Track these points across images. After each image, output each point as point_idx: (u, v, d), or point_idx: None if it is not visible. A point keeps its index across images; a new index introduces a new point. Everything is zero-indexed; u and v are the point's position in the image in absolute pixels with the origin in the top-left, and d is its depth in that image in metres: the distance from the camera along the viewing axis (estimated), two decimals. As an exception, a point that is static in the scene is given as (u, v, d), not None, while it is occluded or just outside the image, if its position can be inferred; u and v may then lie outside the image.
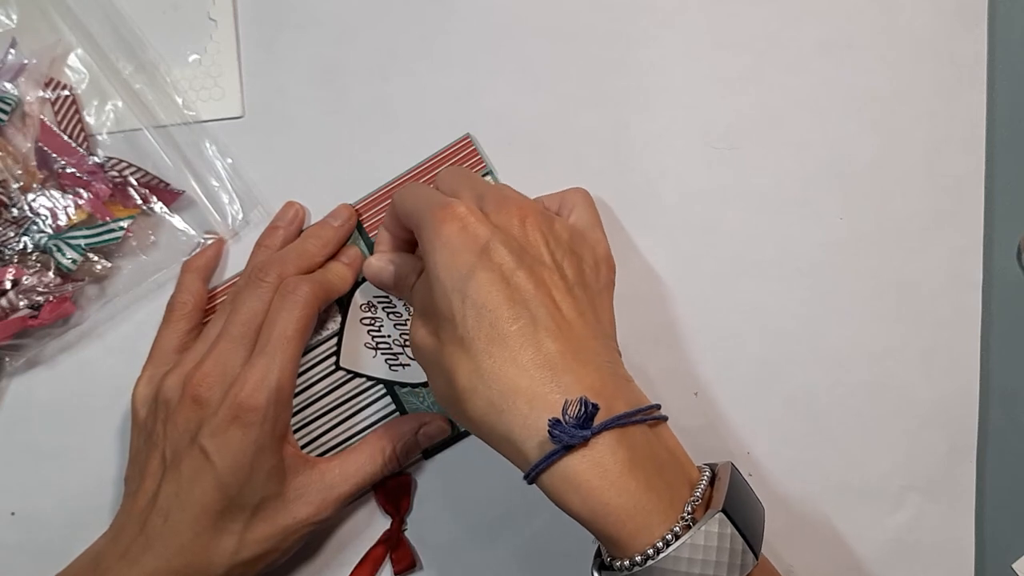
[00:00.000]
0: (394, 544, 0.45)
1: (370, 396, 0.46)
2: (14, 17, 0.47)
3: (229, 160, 0.47)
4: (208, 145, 0.47)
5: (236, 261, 0.47)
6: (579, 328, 0.35)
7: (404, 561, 0.45)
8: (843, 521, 0.46)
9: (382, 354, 0.44)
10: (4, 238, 0.45)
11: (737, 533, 0.32)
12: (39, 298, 0.45)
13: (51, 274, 0.45)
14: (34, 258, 0.45)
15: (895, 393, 0.47)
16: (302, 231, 0.47)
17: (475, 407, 0.34)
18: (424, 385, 0.46)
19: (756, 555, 0.32)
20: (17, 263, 0.45)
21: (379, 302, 0.44)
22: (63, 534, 0.46)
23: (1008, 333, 0.47)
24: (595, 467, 0.32)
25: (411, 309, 0.43)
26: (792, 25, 0.49)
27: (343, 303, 0.46)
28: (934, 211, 0.48)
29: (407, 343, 0.44)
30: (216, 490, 0.39)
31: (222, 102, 0.48)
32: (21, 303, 0.44)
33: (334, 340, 0.46)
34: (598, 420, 0.32)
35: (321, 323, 0.46)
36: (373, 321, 0.44)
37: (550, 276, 0.36)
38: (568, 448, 0.32)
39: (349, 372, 0.44)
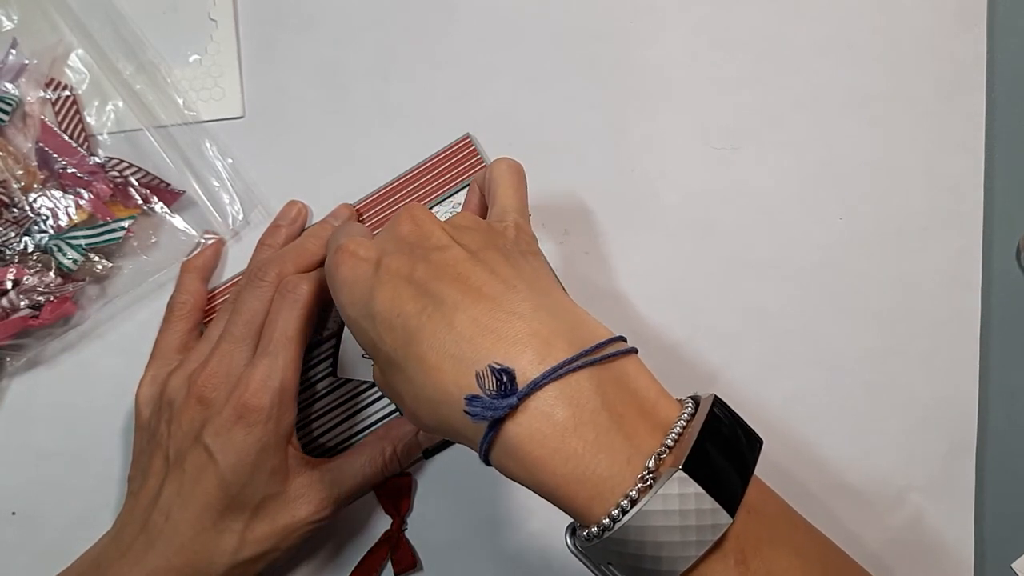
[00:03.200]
0: (394, 544, 0.45)
1: (370, 396, 0.46)
2: (15, 17, 0.47)
3: (229, 160, 0.47)
4: (208, 145, 0.47)
5: (236, 261, 0.47)
6: (492, 287, 0.32)
7: (404, 561, 0.45)
8: (843, 521, 0.46)
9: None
10: (5, 238, 0.45)
11: (704, 492, 0.28)
12: (40, 298, 0.45)
13: (52, 274, 0.45)
14: (35, 258, 0.45)
15: (895, 393, 0.47)
16: (304, 230, 0.47)
17: (424, 415, 0.32)
18: None
19: (732, 513, 0.29)
20: (18, 263, 0.45)
21: None
22: (63, 534, 0.46)
23: (1007, 333, 0.47)
24: (533, 435, 0.29)
25: None
26: (792, 25, 0.49)
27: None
28: (934, 211, 0.48)
29: None
30: (218, 488, 0.39)
31: (222, 102, 0.48)
32: (22, 303, 0.44)
33: (334, 341, 0.46)
34: (531, 376, 0.29)
35: (322, 322, 0.46)
36: None
37: (452, 255, 0.34)
38: (500, 421, 0.29)
39: (347, 379, 0.44)
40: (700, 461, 0.29)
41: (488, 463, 0.31)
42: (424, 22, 0.49)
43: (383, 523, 0.46)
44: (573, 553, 0.31)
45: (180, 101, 0.48)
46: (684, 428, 0.30)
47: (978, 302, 0.47)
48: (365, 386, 0.46)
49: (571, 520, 0.31)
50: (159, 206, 0.47)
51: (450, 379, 0.31)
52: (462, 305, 0.32)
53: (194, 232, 0.47)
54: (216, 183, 0.47)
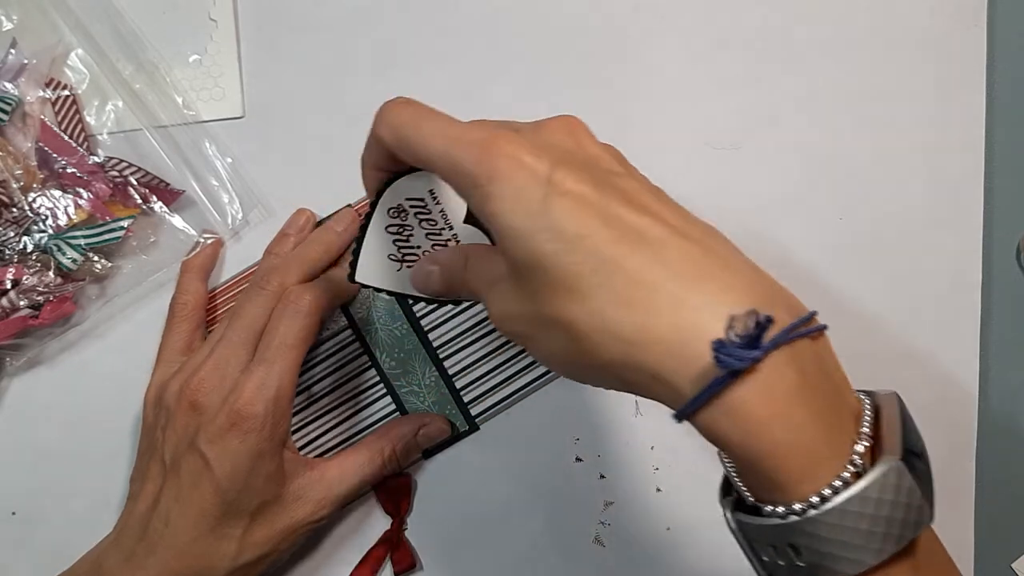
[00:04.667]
0: (394, 544, 0.45)
1: (370, 396, 0.46)
2: (15, 17, 0.47)
3: (229, 160, 0.47)
4: (208, 145, 0.47)
5: (236, 260, 0.47)
6: (694, 231, 0.30)
7: (404, 561, 0.45)
8: (843, 521, 0.46)
9: (408, 268, 0.38)
10: (5, 238, 0.45)
11: (915, 486, 0.26)
12: (40, 298, 0.45)
13: (51, 274, 0.45)
14: (35, 258, 0.45)
15: (895, 393, 0.47)
16: None
17: (609, 350, 0.28)
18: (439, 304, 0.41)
19: (933, 512, 0.27)
20: (18, 263, 0.45)
21: (412, 207, 0.37)
22: (64, 534, 0.46)
23: (1007, 333, 0.47)
24: (762, 395, 0.26)
25: (450, 218, 0.37)
26: (792, 25, 0.49)
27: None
28: (934, 211, 0.48)
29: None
30: (215, 495, 0.39)
31: (222, 102, 0.48)
32: (22, 303, 0.44)
33: (334, 341, 0.46)
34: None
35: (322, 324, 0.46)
36: (401, 229, 0.37)
37: (633, 184, 0.31)
38: (732, 375, 0.26)
39: (364, 286, 0.39)
40: (910, 453, 0.27)
41: (685, 418, 0.28)
42: (424, 22, 0.49)
43: (383, 523, 0.46)
44: (733, 529, 0.29)
45: (180, 101, 0.48)
46: (873, 419, 0.29)
47: (978, 302, 0.47)
48: (365, 386, 0.46)
49: (727, 488, 0.30)
50: (159, 206, 0.47)
51: (665, 320, 0.27)
52: (670, 243, 0.29)
53: (193, 232, 0.47)
54: (215, 183, 0.47)
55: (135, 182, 0.46)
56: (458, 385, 0.46)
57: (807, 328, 0.28)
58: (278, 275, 0.43)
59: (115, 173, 0.46)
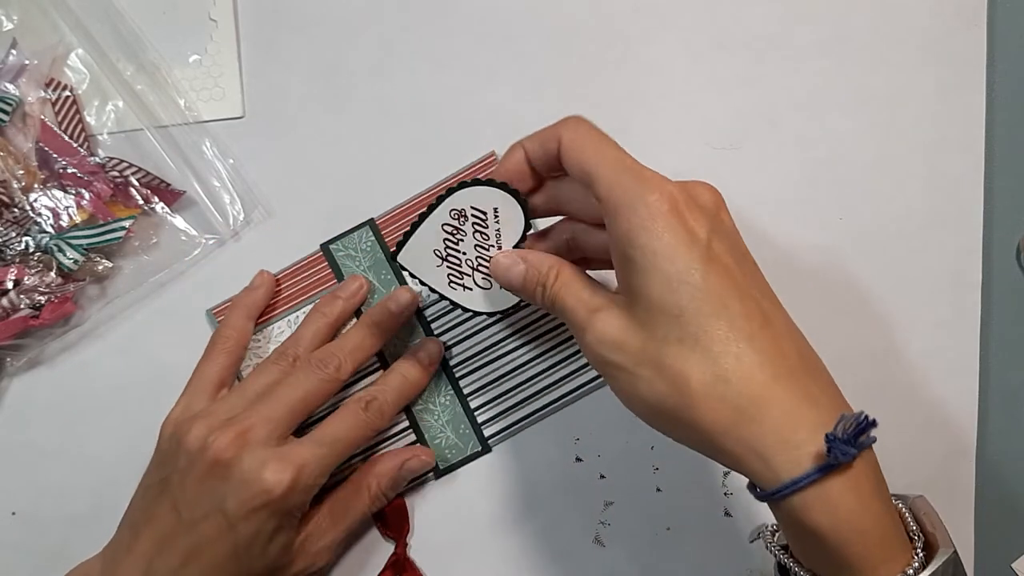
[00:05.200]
0: (401, 567, 0.45)
1: None
2: (15, 18, 0.47)
3: (230, 160, 0.47)
4: (209, 145, 0.47)
5: (236, 260, 0.47)
6: (797, 329, 0.34)
7: (414, 582, 0.45)
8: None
9: (448, 267, 0.40)
10: (6, 238, 0.45)
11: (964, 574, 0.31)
12: (40, 298, 0.45)
13: (52, 274, 0.45)
14: (36, 258, 0.45)
15: (895, 393, 0.47)
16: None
17: (714, 414, 0.31)
18: (471, 315, 0.43)
19: None
20: (19, 263, 0.45)
21: (473, 215, 0.39)
22: (63, 534, 0.46)
23: (1007, 333, 0.47)
24: (854, 489, 0.30)
25: (503, 239, 0.39)
26: (792, 25, 0.49)
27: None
28: (934, 211, 0.48)
29: (480, 267, 0.40)
30: (231, 558, 0.39)
31: (223, 102, 0.48)
32: (22, 303, 0.44)
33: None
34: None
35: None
36: (455, 232, 0.39)
37: (757, 270, 0.34)
38: (831, 467, 0.30)
39: (404, 269, 0.40)
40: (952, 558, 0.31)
41: (775, 497, 0.31)
42: (424, 22, 0.49)
43: (388, 547, 0.46)
44: None
45: (180, 101, 0.48)
46: (913, 516, 0.33)
47: (978, 302, 0.47)
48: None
49: (775, 537, 0.34)
50: (160, 206, 0.47)
51: (777, 404, 0.31)
52: (787, 333, 0.33)
53: (195, 232, 0.47)
54: (217, 183, 0.47)
55: (136, 182, 0.46)
56: (473, 405, 0.46)
57: (872, 433, 0.31)
58: (337, 359, 0.42)
59: (116, 173, 0.46)
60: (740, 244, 0.34)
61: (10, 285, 0.44)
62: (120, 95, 0.47)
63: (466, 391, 0.46)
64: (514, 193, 0.38)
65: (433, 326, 0.46)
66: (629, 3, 0.49)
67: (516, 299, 0.40)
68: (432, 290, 0.40)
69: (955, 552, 0.31)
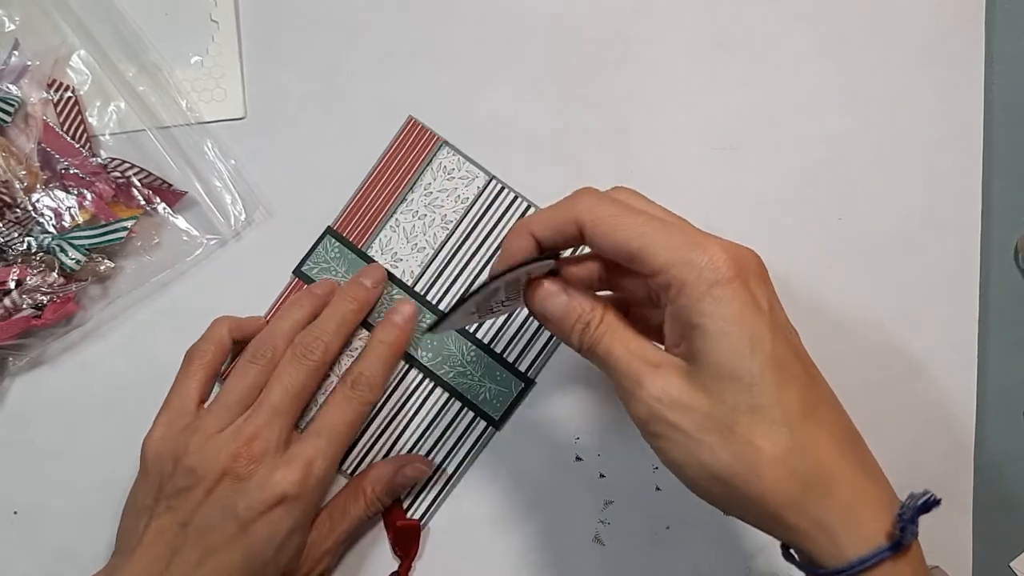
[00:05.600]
0: None
1: (420, 395, 0.46)
2: (17, 19, 0.47)
3: (232, 161, 0.47)
4: (210, 146, 0.47)
5: (237, 260, 0.47)
6: (838, 399, 0.34)
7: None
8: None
9: (484, 318, 0.40)
10: (8, 238, 0.45)
11: None
12: (43, 298, 0.45)
13: (55, 274, 0.45)
14: (38, 258, 0.45)
15: (895, 393, 0.47)
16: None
17: (783, 486, 0.30)
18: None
19: None
20: (21, 263, 0.45)
21: (497, 303, 0.37)
22: (65, 533, 0.46)
23: (1006, 333, 0.47)
24: (912, 568, 0.30)
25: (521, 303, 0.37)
26: (791, 25, 0.49)
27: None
28: (932, 211, 0.48)
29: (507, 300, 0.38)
30: (244, 562, 0.39)
31: (224, 103, 0.48)
32: (25, 303, 0.45)
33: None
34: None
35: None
36: (480, 309, 0.38)
37: (799, 338, 0.34)
38: (895, 547, 0.30)
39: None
40: None
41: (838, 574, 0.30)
42: (424, 23, 0.49)
43: (391, 565, 0.46)
44: None
45: (182, 102, 0.48)
46: None
47: (976, 302, 0.47)
48: (411, 386, 0.46)
49: None
50: (161, 206, 0.47)
51: (846, 481, 0.31)
52: (841, 410, 0.33)
53: (196, 232, 0.47)
54: (218, 184, 0.47)
55: (138, 183, 0.46)
56: (498, 350, 0.46)
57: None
58: (321, 345, 0.42)
59: (117, 174, 0.46)
60: (781, 306, 0.34)
61: (12, 285, 0.44)
62: (122, 96, 0.47)
63: (486, 340, 0.47)
64: (544, 256, 0.35)
65: (428, 296, 0.47)
66: (629, 3, 0.49)
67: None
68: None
69: None
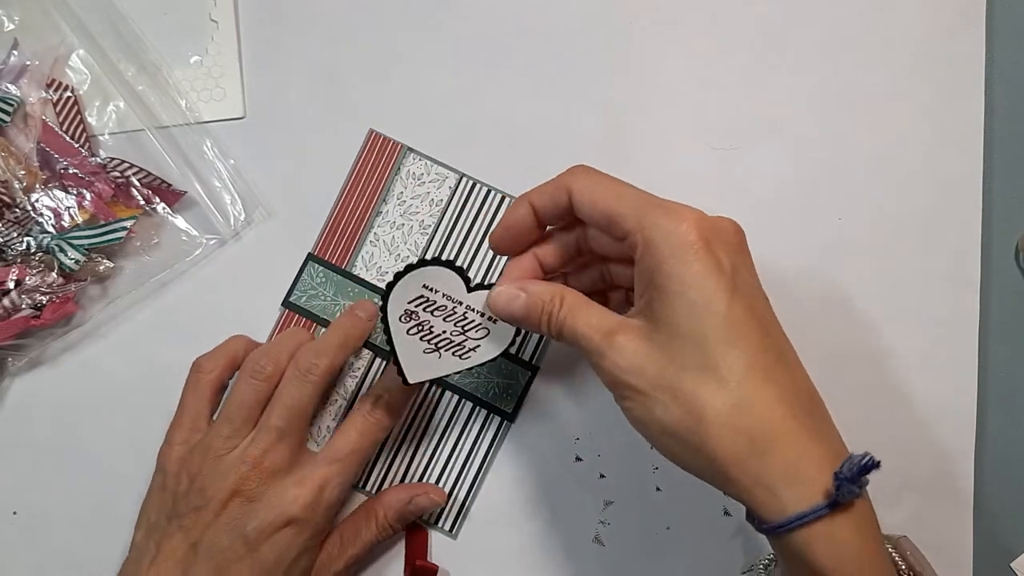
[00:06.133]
0: None
1: (430, 402, 0.46)
2: (16, 18, 0.47)
3: (231, 160, 0.47)
4: (210, 146, 0.47)
5: (238, 261, 0.47)
6: (801, 364, 0.34)
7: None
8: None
9: (446, 351, 0.41)
10: (7, 238, 0.45)
11: None
12: (42, 298, 0.45)
13: (54, 274, 0.45)
14: (37, 258, 0.45)
15: (895, 393, 0.47)
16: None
17: (731, 444, 0.31)
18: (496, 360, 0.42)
19: None
20: (20, 263, 0.45)
21: (417, 306, 0.40)
22: (65, 534, 0.46)
23: (1006, 333, 0.47)
24: (856, 527, 0.31)
25: (455, 296, 0.40)
26: (792, 25, 0.49)
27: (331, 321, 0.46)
28: (933, 211, 0.48)
29: (468, 328, 0.41)
30: None
31: (223, 103, 0.48)
32: (24, 303, 0.44)
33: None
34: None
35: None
36: (420, 327, 0.41)
37: (770, 306, 0.35)
38: (836, 504, 0.31)
39: (423, 382, 0.42)
40: None
41: (779, 530, 0.31)
42: (424, 23, 0.49)
43: None
44: None
45: (181, 102, 0.48)
46: (899, 554, 0.35)
47: (977, 302, 0.47)
48: (421, 396, 0.46)
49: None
50: (161, 206, 0.47)
51: (790, 440, 0.31)
52: (797, 372, 0.33)
53: (196, 232, 0.47)
54: (218, 183, 0.47)
55: (137, 183, 0.46)
56: None
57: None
58: (325, 360, 0.42)
59: (117, 174, 0.46)
60: (758, 280, 0.35)
61: (11, 285, 0.44)
62: (121, 96, 0.47)
63: None
64: (416, 264, 0.39)
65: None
66: (629, 3, 0.49)
67: (514, 328, 0.40)
68: (454, 374, 0.42)
69: None
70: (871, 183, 0.48)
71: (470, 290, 0.40)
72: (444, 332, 0.41)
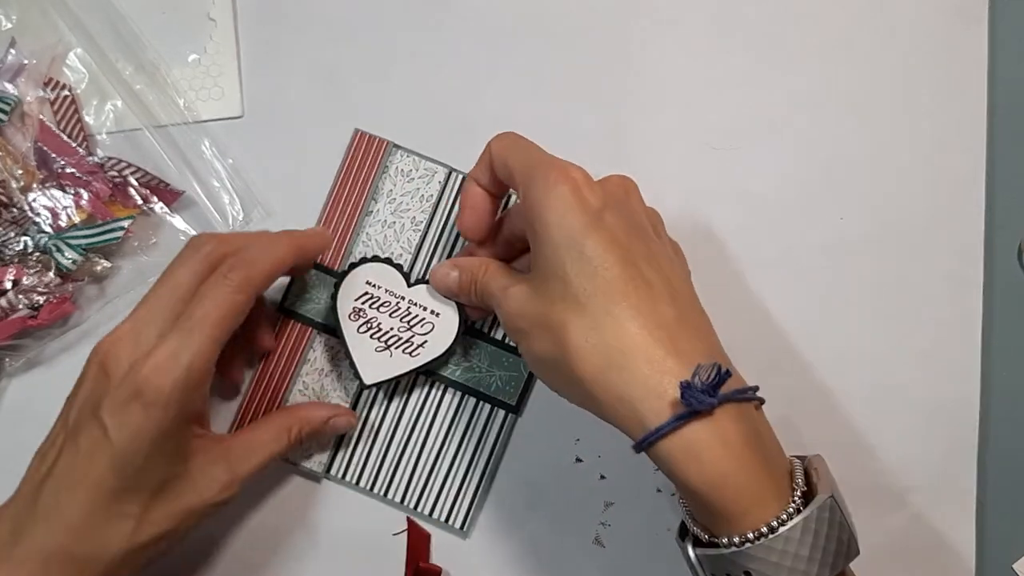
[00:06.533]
0: None
1: (433, 401, 0.46)
2: (14, 17, 0.47)
3: (229, 160, 0.47)
4: (208, 145, 0.47)
5: (236, 261, 0.47)
6: (686, 298, 0.36)
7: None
8: (843, 521, 0.46)
9: (396, 348, 0.44)
10: (4, 238, 0.45)
11: (846, 522, 0.32)
12: (39, 298, 0.45)
13: (51, 274, 0.45)
14: (34, 258, 0.45)
15: (895, 393, 0.47)
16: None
17: (590, 364, 0.33)
18: (447, 354, 0.44)
19: (858, 548, 0.33)
20: (17, 263, 0.45)
21: (364, 303, 0.44)
22: (63, 535, 0.45)
23: (1008, 333, 0.47)
24: (718, 437, 0.32)
25: (397, 291, 0.44)
26: (792, 25, 0.49)
27: (329, 326, 0.46)
28: (935, 211, 0.48)
29: (414, 324, 0.43)
30: (111, 470, 0.36)
31: (222, 102, 0.48)
32: (21, 303, 0.44)
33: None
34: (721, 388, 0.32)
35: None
36: (369, 325, 0.43)
37: (661, 250, 0.37)
38: (692, 415, 0.32)
39: (377, 384, 0.44)
40: (837, 500, 0.33)
41: (644, 447, 0.33)
42: (423, 22, 0.49)
43: None
44: (692, 562, 0.34)
45: (180, 101, 0.48)
46: (805, 473, 0.34)
47: (979, 302, 0.47)
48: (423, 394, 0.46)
49: (684, 530, 0.35)
50: (159, 206, 0.46)
51: (644, 355, 0.33)
52: (668, 300, 0.34)
53: (194, 232, 0.47)
54: (216, 183, 0.47)
55: (135, 182, 0.46)
56: (498, 337, 0.46)
57: (752, 395, 0.34)
58: (215, 241, 0.39)
59: (114, 173, 0.46)
60: (639, 221, 0.37)
61: (8, 285, 0.44)
62: (119, 95, 0.47)
63: (485, 329, 0.46)
64: (358, 262, 0.44)
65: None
66: (629, 3, 0.49)
67: (460, 316, 0.44)
68: (409, 376, 0.45)
69: (831, 497, 0.32)
70: (872, 183, 0.48)
71: (410, 285, 0.44)
72: (392, 329, 0.44)
